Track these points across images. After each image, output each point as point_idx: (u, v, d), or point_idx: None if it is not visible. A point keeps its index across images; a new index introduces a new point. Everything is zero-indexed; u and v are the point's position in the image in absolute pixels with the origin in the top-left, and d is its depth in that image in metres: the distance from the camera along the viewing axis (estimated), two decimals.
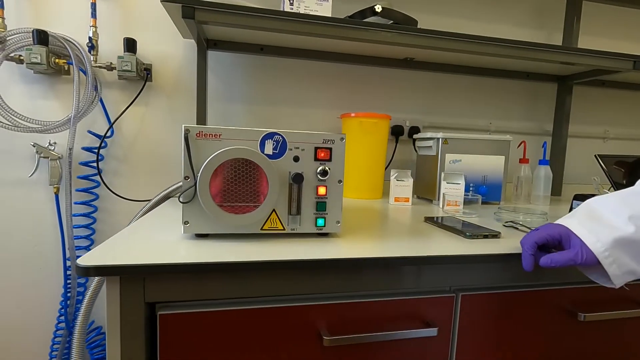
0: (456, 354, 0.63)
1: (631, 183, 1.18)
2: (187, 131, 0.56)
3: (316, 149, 0.60)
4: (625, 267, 0.46)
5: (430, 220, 0.80)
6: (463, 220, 0.80)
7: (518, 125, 1.48)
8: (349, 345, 0.56)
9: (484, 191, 1.11)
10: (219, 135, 0.57)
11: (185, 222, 0.57)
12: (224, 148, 0.56)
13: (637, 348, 0.74)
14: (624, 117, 1.59)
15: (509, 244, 0.65)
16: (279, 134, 0.59)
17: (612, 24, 1.51)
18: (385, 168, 1.21)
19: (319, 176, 0.60)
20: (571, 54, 1.13)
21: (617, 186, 1.18)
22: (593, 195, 0.90)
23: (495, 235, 0.68)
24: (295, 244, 0.59)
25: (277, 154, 0.59)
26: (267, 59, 1.22)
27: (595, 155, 1.24)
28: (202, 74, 1.05)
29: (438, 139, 1.08)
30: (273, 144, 0.59)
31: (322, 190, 0.61)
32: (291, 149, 0.59)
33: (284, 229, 0.61)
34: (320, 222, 0.62)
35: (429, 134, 1.12)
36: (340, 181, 0.62)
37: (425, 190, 1.16)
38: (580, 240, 0.48)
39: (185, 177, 0.56)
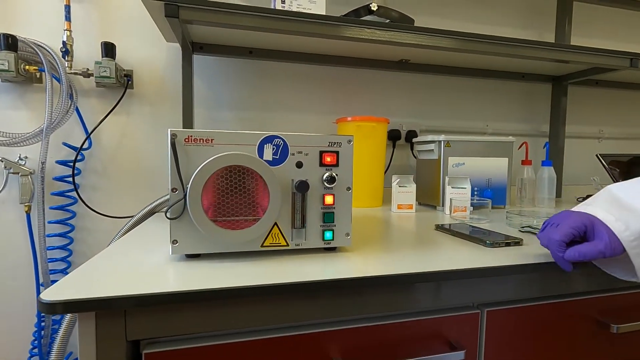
0: None
1: (619, 176, 1.15)
2: (173, 136, 0.48)
3: (321, 153, 0.54)
4: None
5: (441, 228, 0.74)
6: (476, 227, 0.74)
7: (514, 127, 1.45)
8: None
9: (489, 195, 1.06)
10: (211, 140, 0.50)
11: (174, 242, 0.50)
12: (217, 154, 0.49)
13: None
14: (617, 116, 1.59)
15: (533, 250, 0.59)
16: (280, 137, 0.52)
17: (604, 25, 1.51)
18: (384, 173, 1.15)
19: (325, 184, 0.53)
20: (567, 52, 1.11)
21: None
22: None
23: (518, 242, 0.62)
24: (301, 261, 0.51)
25: (277, 160, 0.52)
26: (256, 63, 1.16)
27: (597, 155, 1.21)
28: (187, 79, 0.98)
29: (440, 141, 1.03)
30: (273, 149, 0.52)
31: (329, 199, 0.54)
32: (293, 154, 0.53)
33: (288, 245, 0.54)
34: (328, 235, 0.55)
35: (429, 137, 1.07)
36: (349, 188, 0.55)
37: (428, 196, 1.11)
38: (608, 228, 0.44)
39: (173, 189, 0.49)
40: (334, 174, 0.53)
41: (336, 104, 1.25)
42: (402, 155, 1.32)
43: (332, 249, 0.57)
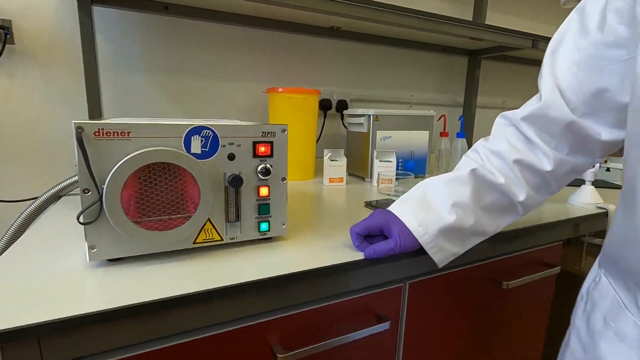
0: (404, 337, 0.64)
1: None
2: (79, 129, 0.41)
3: (254, 143, 0.51)
4: (447, 252, 0.51)
5: (370, 205, 0.78)
6: None
7: (435, 97, 1.55)
8: (305, 358, 0.52)
9: (411, 166, 1.14)
10: (128, 132, 0.44)
11: (91, 247, 0.45)
12: (137, 150, 0.43)
13: (547, 303, 0.86)
14: (519, 89, 1.78)
15: None
16: (209, 128, 0.48)
17: (517, 2, 1.63)
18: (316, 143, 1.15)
19: (259, 175, 0.52)
20: (479, 30, 1.19)
21: None
22: None
23: None
24: (236, 256, 0.51)
25: (207, 153, 0.48)
26: (174, 22, 1.02)
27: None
28: (88, 36, 0.83)
29: (369, 115, 1.06)
30: (201, 141, 0.48)
31: (264, 191, 0.53)
32: (224, 146, 0.49)
33: (222, 239, 0.52)
34: (264, 226, 0.54)
35: (360, 111, 1.08)
36: (284, 179, 0.54)
37: (357, 167, 1.15)
38: (400, 228, 0.51)
39: (84, 191, 0.43)
40: (269, 166, 0.52)
41: (266, 71, 1.18)
42: (333, 125, 1.33)
43: (268, 239, 0.57)
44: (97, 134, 0.42)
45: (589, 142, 0.50)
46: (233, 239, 0.53)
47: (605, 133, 0.47)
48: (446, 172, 1.27)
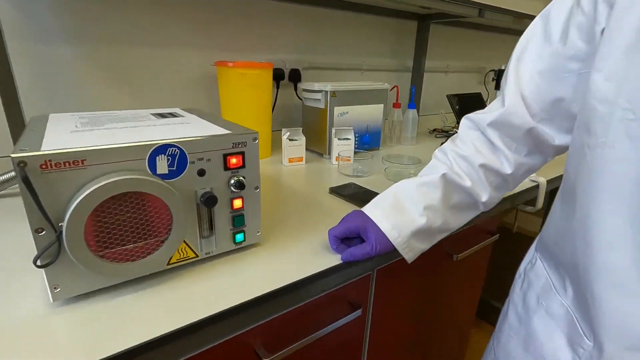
0: (372, 319, 0.70)
1: (461, 111, 1.42)
2: (22, 164, 0.35)
3: (225, 156, 0.48)
4: (417, 250, 0.57)
5: (335, 192, 0.79)
6: (364, 189, 0.82)
7: (386, 63, 1.54)
8: (289, 357, 0.55)
9: (367, 140, 1.16)
10: (82, 160, 0.38)
11: (54, 287, 0.40)
12: (97, 182, 0.38)
13: (484, 264, 0.98)
14: (463, 53, 1.84)
15: None
16: (175, 146, 0.44)
17: None
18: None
19: (232, 188, 0.49)
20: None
21: (459, 118, 1.41)
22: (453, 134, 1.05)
23: None
24: (214, 273, 0.49)
25: (175, 172, 0.45)
26: None
27: (446, 96, 1.43)
28: None
29: (326, 92, 1.03)
30: (168, 160, 0.44)
31: (238, 203, 0.51)
32: (193, 162, 0.46)
33: (197, 256, 0.50)
34: (240, 237, 0.53)
35: (316, 86, 1.05)
36: (257, 187, 0.53)
37: (315, 143, 1.14)
38: (376, 233, 0.54)
39: (37, 230, 0.38)
40: (242, 178, 0.50)
41: (213, 37, 1.07)
42: (286, 95, 1.28)
43: (244, 247, 0.56)
44: (44, 167, 0.36)
45: (544, 145, 0.55)
46: (208, 253, 0.51)
47: (558, 138, 0.52)
48: (398, 141, 1.32)
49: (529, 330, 0.57)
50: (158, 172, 0.43)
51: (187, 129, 0.50)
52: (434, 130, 1.57)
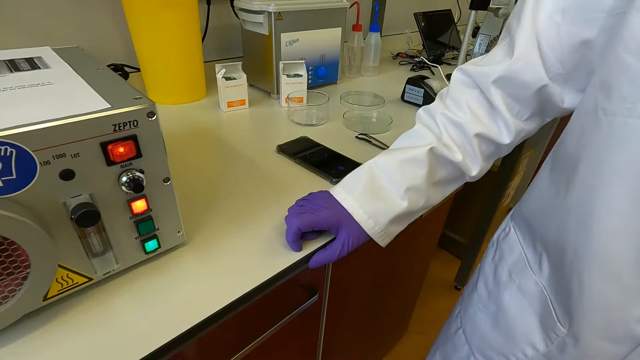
0: (328, 301, 0.63)
1: (428, 32, 1.25)
2: None
3: (104, 145, 0.32)
4: (393, 234, 0.47)
5: (283, 151, 0.65)
6: (319, 147, 0.68)
7: None
8: (256, 350, 0.48)
9: (323, 73, 0.98)
10: None
11: None
12: None
13: (444, 214, 0.94)
14: None
15: None
16: (7, 143, 0.27)
17: None
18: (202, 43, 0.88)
19: (124, 188, 0.34)
20: None
21: (427, 40, 1.25)
22: (424, 79, 0.91)
23: None
24: (118, 301, 0.37)
25: (16, 182, 0.28)
26: None
27: (414, 14, 1.23)
28: None
29: (270, 13, 0.81)
30: None
31: (139, 206, 0.36)
32: (47, 162, 0.29)
33: (92, 279, 0.37)
34: (152, 245, 0.40)
35: (256, 5, 0.82)
36: (167, 179, 0.38)
37: (259, 78, 0.95)
38: (349, 227, 0.44)
39: None
40: (138, 174, 0.34)
41: None
42: (223, 14, 1.02)
43: (163, 253, 0.43)
44: None
45: (549, 107, 0.44)
46: (109, 272, 0.38)
47: (569, 99, 0.41)
48: (358, 72, 1.15)
49: (499, 304, 0.53)
50: None
51: (39, 103, 0.32)
52: (398, 54, 1.39)
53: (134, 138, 0.33)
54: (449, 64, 1.31)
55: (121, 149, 0.33)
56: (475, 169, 0.47)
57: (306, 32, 0.89)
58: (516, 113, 0.44)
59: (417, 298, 1.15)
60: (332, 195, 0.46)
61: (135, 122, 0.33)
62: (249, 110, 0.85)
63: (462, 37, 1.42)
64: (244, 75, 0.82)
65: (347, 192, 0.45)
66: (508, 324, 0.51)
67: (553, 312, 0.44)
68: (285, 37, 0.85)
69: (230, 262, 0.42)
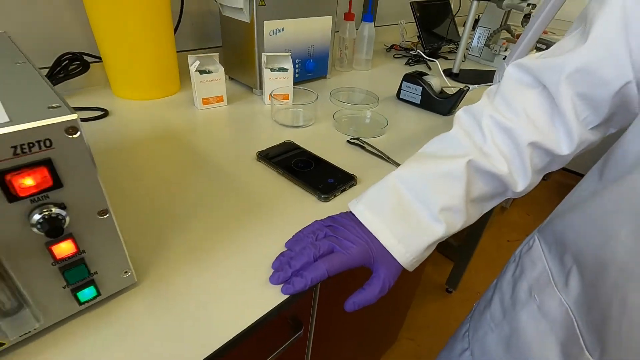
0: (314, 334, 0.56)
1: (424, 23, 1.17)
2: None
3: (3, 175, 0.23)
4: (423, 258, 0.39)
5: (264, 158, 0.57)
6: (306, 154, 0.60)
7: None
8: None
9: (311, 67, 0.89)
10: None
11: None
12: None
13: None
14: None
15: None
16: None
17: None
18: (175, 32, 0.78)
19: (36, 230, 0.25)
20: None
21: (423, 32, 1.17)
22: (422, 75, 0.82)
23: (353, 184, 0.53)
24: None
25: None
26: None
27: (410, 3, 1.14)
28: None
29: None
30: None
31: (65, 248, 0.27)
32: None
33: (4, 344, 0.28)
34: (88, 293, 0.31)
35: None
36: (103, 212, 0.29)
37: (240, 71, 0.85)
38: (387, 266, 0.37)
39: None
40: (57, 211, 0.25)
41: None
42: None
43: (105, 299, 0.34)
44: None
45: (622, 114, 0.35)
46: (27, 333, 0.29)
47: None
48: (350, 66, 1.06)
49: (514, 326, 0.46)
50: None
51: None
52: (392, 47, 1.30)
53: (47, 163, 0.24)
54: (446, 58, 1.23)
55: (28, 180, 0.24)
56: (522, 184, 0.39)
57: (292, 21, 0.80)
58: (584, 118, 0.36)
59: (407, 310, 1.09)
60: (358, 219, 0.38)
61: (47, 142, 0.24)
62: (228, 107, 0.75)
63: (459, 30, 1.34)
64: (222, 69, 0.72)
65: (373, 214, 0.38)
66: (523, 350, 0.45)
67: (580, 337, 0.38)
68: (268, 25, 0.76)
69: (193, 309, 0.34)
